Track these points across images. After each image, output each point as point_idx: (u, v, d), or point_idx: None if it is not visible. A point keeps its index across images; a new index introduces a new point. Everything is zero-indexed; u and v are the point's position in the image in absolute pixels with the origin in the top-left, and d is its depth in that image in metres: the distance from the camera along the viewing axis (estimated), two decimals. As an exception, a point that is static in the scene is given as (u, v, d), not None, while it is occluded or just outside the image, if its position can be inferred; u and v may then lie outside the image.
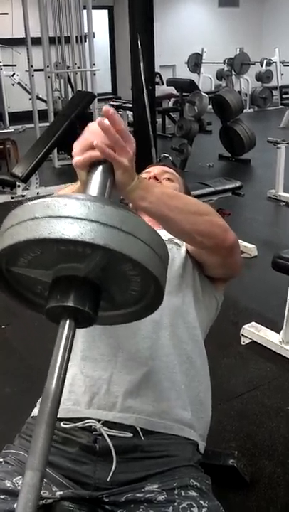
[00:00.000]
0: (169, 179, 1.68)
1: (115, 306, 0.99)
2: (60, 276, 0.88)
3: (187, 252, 1.47)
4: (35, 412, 1.39)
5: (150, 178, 1.64)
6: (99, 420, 1.24)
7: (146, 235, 0.84)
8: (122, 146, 1.06)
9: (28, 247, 0.84)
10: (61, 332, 0.86)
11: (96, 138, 1.04)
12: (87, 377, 1.29)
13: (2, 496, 1.16)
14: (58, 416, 1.28)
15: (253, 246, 4.11)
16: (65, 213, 0.80)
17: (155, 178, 1.65)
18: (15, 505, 1.12)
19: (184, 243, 1.48)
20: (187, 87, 8.50)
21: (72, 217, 0.79)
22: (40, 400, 1.34)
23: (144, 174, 1.69)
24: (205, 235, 1.26)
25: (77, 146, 1.07)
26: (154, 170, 1.70)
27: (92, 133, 1.06)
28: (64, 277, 0.88)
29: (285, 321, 2.77)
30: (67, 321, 0.87)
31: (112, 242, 0.79)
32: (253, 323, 3.00)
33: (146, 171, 1.73)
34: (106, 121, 1.04)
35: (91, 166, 1.07)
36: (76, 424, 1.24)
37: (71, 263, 0.86)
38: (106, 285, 0.91)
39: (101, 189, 1.03)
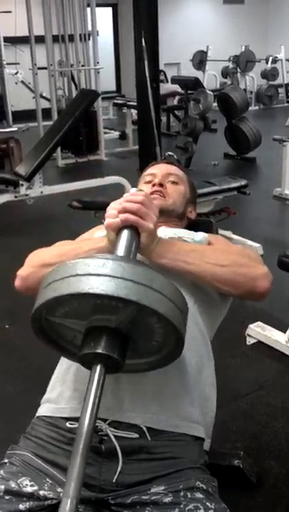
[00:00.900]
0: (173, 182, 1.67)
1: (139, 355, 1.11)
2: (93, 326, 1.00)
3: None
4: (40, 411, 1.38)
5: (154, 184, 1.63)
6: (105, 420, 1.23)
7: (171, 293, 0.98)
8: (148, 214, 1.21)
9: (68, 300, 0.97)
10: (93, 376, 0.98)
11: (129, 206, 1.21)
12: None
13: (7, 497, 1.16)
14: (64, 415, 1.29)
15: (259, 245, 4.10)
16: (103, 272, 0.93)
17: (160, 184, 1.63)
18: (20, 506, 1.13)
19: None
20: (192, 85, 8.49)
21: (109, 276, 0.93)
22: (45, 398, 1.36)
23: (147, 177, 1.67)
24: (227, 285, 1.31)
25: (112, 210, 1.23)
26: (158, 172, 1.67)
27: (128, 202, 1.22)
28: (97, 327, 1.00)
29: (290, 320, 2.75)
30: (98, 366, 0.99)
31: (143, 298, 0.93)
32: (259, 322, 2.98)
33: (149, 172, 1.71)
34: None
35: (120, 228, 1.22)
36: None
37: (104, 315, 0.98)
38: (132, 335, 1.03)
39: (128, 250, 1.17)
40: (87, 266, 0.94)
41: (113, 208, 1.23)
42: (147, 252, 1.26)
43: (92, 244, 1.34)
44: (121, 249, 1.17)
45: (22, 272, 1.40)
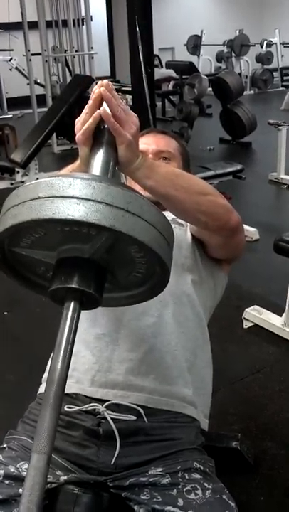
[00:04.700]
0: (166, 158, 1.58)
1: (120, 288, 0.98)
2: (64, 258, 0.87)
3: (191, 233, 1.46)
4: (41, 389, 1.39)
5: None
6: (102, 401, 1.24)
7: (152, 217, 0.83)
8: (126, 120, 1.05)
9: (31, 227, 0.83)
10: (66, 314, 0.86)
11: (104, 109, 1.03)
12: (89, 354, 1.29)
13: (7, 481, 1.17)
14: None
15: (255, 229, 4.10)
16: (70, 193, 0.78)
17: None
18: (19, 490, 1.14)
19: (188, 224, 1.46)
20: (187, 70, 8.43)
21: (77, 198, 0.78)
22: (44, 377, 1.36)
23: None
24: (208, 215, 1.24)
25: (79, 119, 1.06)
26: (149, 147, 1.57)
27: (94, 103, 1.05)
28: (68, 258, 0.87)
29: (287, 304, 2.76)
30: (72, 303, 0.87)
31: (118, 224, 0.78)
32: (255, 306, 3.00)
33: (142, 143, 1.55)
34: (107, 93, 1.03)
35: (93, 143, 1.05)
36: (80, 407, 1.24)
37: (75, 244, 0.85)
38: (111, 267, 0.91)
39: (104, 168, 1.01)
40: (50, 187, 0.79)
41: (83, 114, 1.06)
42: (130, 171, 1.10)
43: (66, 169, 1.24)
44: (96, 167, 1.01)
45: None
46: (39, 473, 0.76)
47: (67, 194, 0.78)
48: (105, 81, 1.06)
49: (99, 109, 1.05)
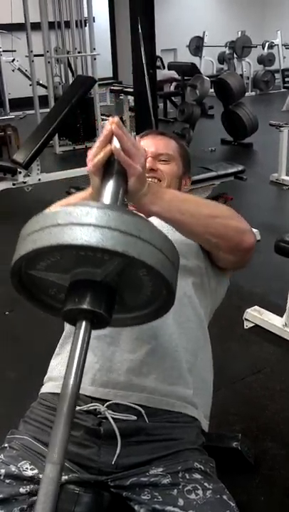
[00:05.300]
0: (165, 161, 1.57)
1: (127, 309, 1.04)
2: (77, 280, 0.93)
3: None
4: (43, 389, 1.39)
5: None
6: (102, 401, 1.24)
7: (161, 243, 0.89)
8: (135, 153, 1.10)
9: (50, 252, 0.89)
10: (78, 333, 0.92)
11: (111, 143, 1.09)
12: (90, 354, 1.29)
13: (7, 481, 1.17)
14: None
15: (256, 230, 4.09)
16: (88, 221, 0.84)
17: (152, 170, 1.53)
18: (20, 489, 1.15)
19: None
20: (189, 71, 8.42)
21: (94, 225, 0.84)
22: (47, 377, 1.37)
23: None
24: (218, 237, 1.27)
25: (91, 152, 1.11)
26: (148, 149, 1.54)
27: (106, 139, 1.10)
28: (81, 281, 0.93)
29: (288, 304, 2.77)
30: (84, 323, 0.92)
31: (131, 249, 0.84)
32: (256, 306, 3.00)
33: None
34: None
35: (104, 173, 1.11)
36: (81, 407, 1.24)
37: (88, 268, 0.91)
38: (120, 289, 0.96)
39: (115, 197, 1.08)
40: (68, 215, 0.86)
41: (95, 147, 1.12)
42: (136, 199, 1.16)
43: (78, 197, 1.27)
44: (107, 197, 1.08)
45: None
46: (52, 483, 0.81)
47: (85, 222, 0.84)
48: (116, 118, 1.12)
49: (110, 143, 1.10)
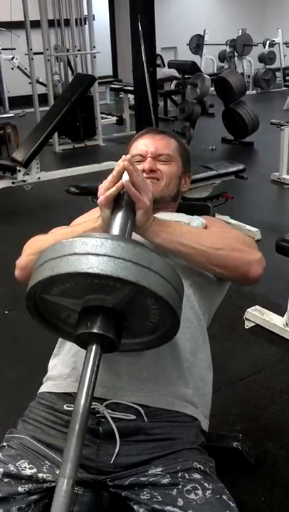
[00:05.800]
0: (164, 161, 1.55)
1: (133, 334, 1.11)
2: (89, 306, 1.00)
3: None
4: (42, 388, 1.39)
5: (144, 170, 1.49)
6: (101, 400, 1.24)
7: (169, 274, 0.97)
8: (144, 188, 1.19)
9: (65, 279, 0.96)
10: (89, 356, 0.99)
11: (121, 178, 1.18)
12: None
13: (6, 480, 1.18)
14: (61, 391, 1.31)
15: (257, 229, 4.10)
16: (103, 251, 0.92)
17: (151, 170, 1.51)
18: (19, 489, 1.15)
19: None
20: (189, 69, 8.39)
21: (108, 256, 0.91)
22: (46, 377, 1.39)
23: (137, 157, 1.54)
24: (222, 268, 1.31)
25: (102, 186, 1.20)
26: (148, 149, 1.54)
27: (118, 174, 1.19)
28: (93, 307, 1.00)
29: (288, 304, 2.76)
30: (94, 346, 1.00)
31: (142, 279, 0.92)
32: (257, 306, 2.99)
33: (139, 149, 1.56)
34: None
35: (114, 206, 1.19)
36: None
37: (100, 294, 0.98)
38: (128, 316, 1.03)
39: (124, 228, 1.16)
40: (85, 245, 0.93)
41: (107, 182, 1.21)
42: (142, 231, 1.24)
43: (86, 226, 1.31)
44: (116, 228, 1.15)
45: (20, 262, 1.39)
46: (66, 496, 0.87)
47: (100, 252, 0.92)
48: (128, 156, 1.22)
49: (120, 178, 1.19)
